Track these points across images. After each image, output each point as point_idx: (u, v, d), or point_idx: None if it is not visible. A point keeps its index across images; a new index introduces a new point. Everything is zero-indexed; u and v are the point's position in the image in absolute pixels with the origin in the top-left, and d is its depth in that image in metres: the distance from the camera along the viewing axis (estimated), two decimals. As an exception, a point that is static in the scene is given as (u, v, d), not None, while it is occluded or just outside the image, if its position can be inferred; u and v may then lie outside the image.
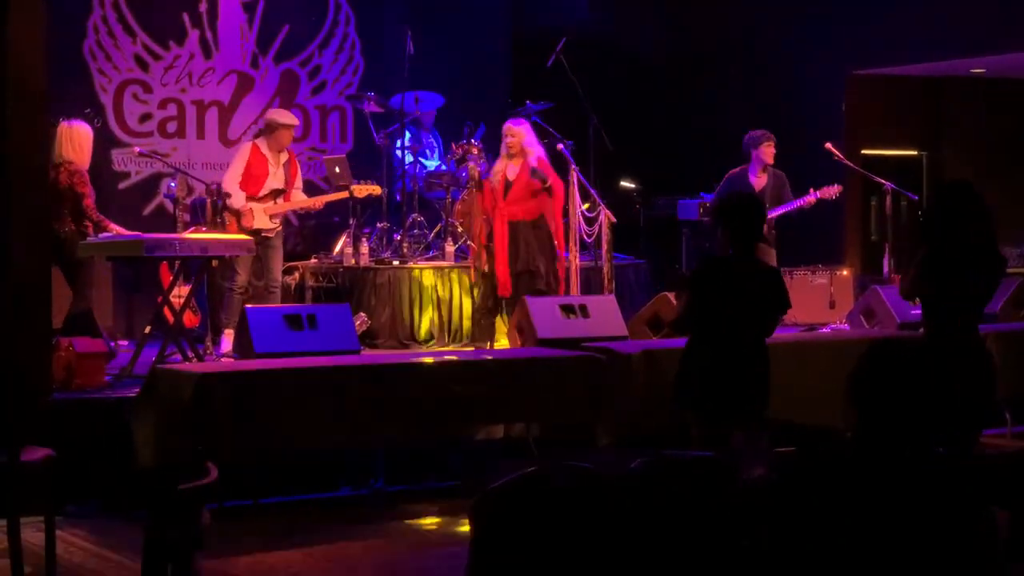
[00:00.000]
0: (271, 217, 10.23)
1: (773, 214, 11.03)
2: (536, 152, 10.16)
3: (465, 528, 2.66)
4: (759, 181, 11.17)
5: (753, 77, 14.00)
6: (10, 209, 7.93)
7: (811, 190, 11.16)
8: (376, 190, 11.09)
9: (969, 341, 6.40)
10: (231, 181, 10.13)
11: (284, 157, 10.35)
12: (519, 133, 10.16)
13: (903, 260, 11.97)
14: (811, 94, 13.79)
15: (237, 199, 10.06)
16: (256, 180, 10.17)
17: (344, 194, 10.89)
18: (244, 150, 10.34)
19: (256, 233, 10.03)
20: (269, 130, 10.31)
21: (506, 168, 10.16)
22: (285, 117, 10.46)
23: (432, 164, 12.59)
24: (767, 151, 11.13)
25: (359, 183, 11.01)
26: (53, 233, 8.76)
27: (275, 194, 10.24)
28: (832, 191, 11.18)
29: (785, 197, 11.21)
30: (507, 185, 10.12)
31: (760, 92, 13.86)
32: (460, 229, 11.69)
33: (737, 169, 11.29)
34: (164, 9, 12.36)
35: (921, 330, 6.87)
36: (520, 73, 13.95)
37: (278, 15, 12.82)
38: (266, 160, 10.24)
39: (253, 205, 10.15)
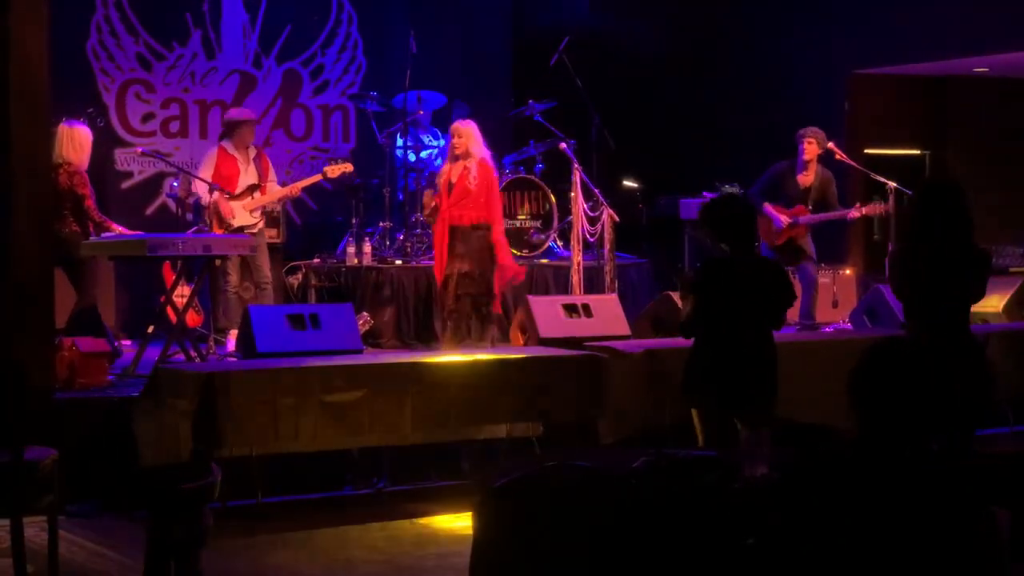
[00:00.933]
0: (251, 212, 10.38)
1: (813, 219, 10.97)
2: (481, 154, 9.91)
3: (468, 527, 2.66)
4: (804, 179, 11.04)
5: (755, 76, 14.00)
6: (12, 208, 7.94)
7: (858, 204, 11.00)
8: (348, 167, 11.01)
9: (958, 341, 6.34)
10: (200, 184, 10.29)
11: (252, 153, 10.54)
12: (466, 134, 9.87)
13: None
14: (813, 93, 13.78)
15: (204, 195, 10.23)
16: (229, 180, 10.32)
17: (318, 177, 10.86)
18: (210, 153, 10.56)
19: (239, 231, 10.16)
20: (230, 129, 10.55)
21: (450, 170, 9.91)
22: (242, 114, 10.78)
23: (425, 153, 12.56)
24: (806, 147, 10.98)
25: (330, 164, 11.03)
26: (55, 233, 8.76)
27: (251, 189, 10.41)
28: (879, 208, 10.91)
29: (830, 199, 11.05)
30: (450, 187, 9.86)
31: (762, 91, 13.85)
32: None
33: (785, 162, 11.12)
34: (167, 9, 12.37)
35: (903, 331, 6.83)
36: (522, 72, 13.95)
37: (280, 15, 12.83)
38: (234, 159, 10.43)
39: (232, 203, 10.26)
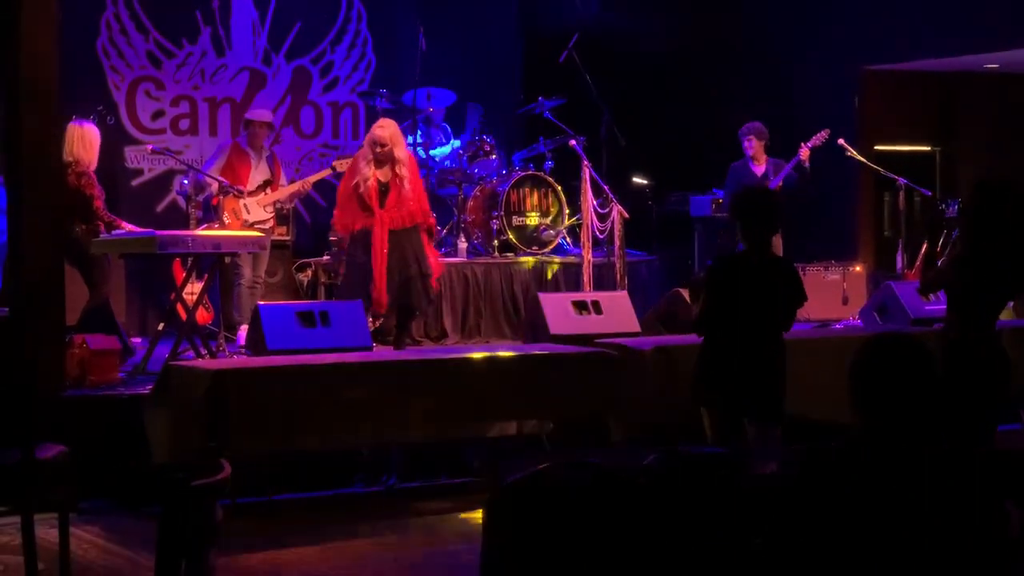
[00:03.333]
0: (264, 207, 10.55)
1: (777, 182, 11.34)
2: (406, 153, 9.81)
3: (478, 525, 2.67)
4: (759, 168, 11.57)
5: (766, 73, 13.97)
6: (23, 207, 7.96)
7: (801, 143, 11.45)
8: None
9: (989, 338, 6.38)
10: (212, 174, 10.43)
11: (265, 152, 10.79)
12: (391, 139, 9.64)
13: (916, 256, 11.96)
14: (824, 90, 13.77)
15: (214, 185, 10.31)
16: (241, 176, 10.49)
17: (327, 171, 10.95)
18: (224, 147, 10.83)
19: (251, 226, 10.30)
20: (245, 128, 10.84)
21: (376, 174, 9.66)
22: (262, 116, 11.01)
23: (440, 152, 12.56)
24: (747, 145, 11.58)
25: (339, 159, 11.09)
26: (65, 231, 8.78)
27: (264, 185, 10.60)
28: (820, 137, 11.44)
29: (781, 167, 11.56)
30: (384, 191, 9.63)
31: (773, 88, 13.83)
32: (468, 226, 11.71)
33: (738, 161, 11.67)
34: (176, 6, 12.37)
35: (936, 325, 6.85)
36: (532, 69, 13.94)
37: (290, 12, 12.82)
38: (248, 156, 10.63)
39: (246, 199, 10.40)
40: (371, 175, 9.65)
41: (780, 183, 11.34)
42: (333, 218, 10.13)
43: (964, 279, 6.34)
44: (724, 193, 11.95)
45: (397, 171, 9.64)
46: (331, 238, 10.81)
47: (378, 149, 9.62)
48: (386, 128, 9.72)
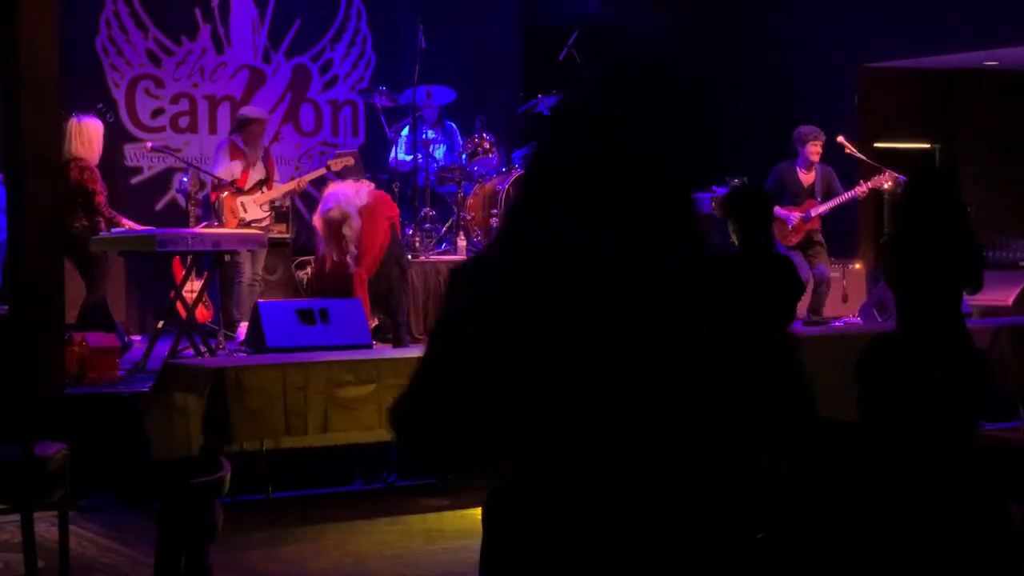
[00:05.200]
0: (261, 206, 10.58)
1: (825, 208, 11.05)
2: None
3: (478, 523, 2.66)
4: (807, 177, 11.17)
5: (765, 70, 13.97)
6: (23, 204, 7.95)
7: (861, 181, 11.13)
8: (350, 161, 11.11)
9: (950, 334, 6.18)
10: (221, 173, 10.52)
11: (260, 151, 10.82)
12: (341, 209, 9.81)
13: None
14: (824, 87, 13.76)
15: (227, 172, 10.46)
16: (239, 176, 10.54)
17: (322, 171, 11.06)
18: (224, 146, 10.79)
19: (248, 225, 10.33)
20: (241, 126, 10.79)
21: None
22: (256, 112, 11.06)
23: (440, 154, 12.55)
24: (813, 149, 11.12)
25: (333, 158, 11.15)
26: (65, 228, 8.77)
27: (260, 184, 10.61)
28: (883, 179, 11.01)
29: (835, 190, 11.18)
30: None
31: (773, 85, 13.83)
32: (471, 223, 11.70)
33: (784, 163, 11.30)
34: (176, 4, 12.37)
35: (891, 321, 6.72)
36: (532, 67, 13.93)
37: (289, 10, 12.82)
38: (244, 153, 10.63)
39: (243, 198, 10.44)
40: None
41: (827, 211, 11.08)
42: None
43: (907, 277, 6.23)
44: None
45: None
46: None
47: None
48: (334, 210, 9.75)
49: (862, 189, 11.08)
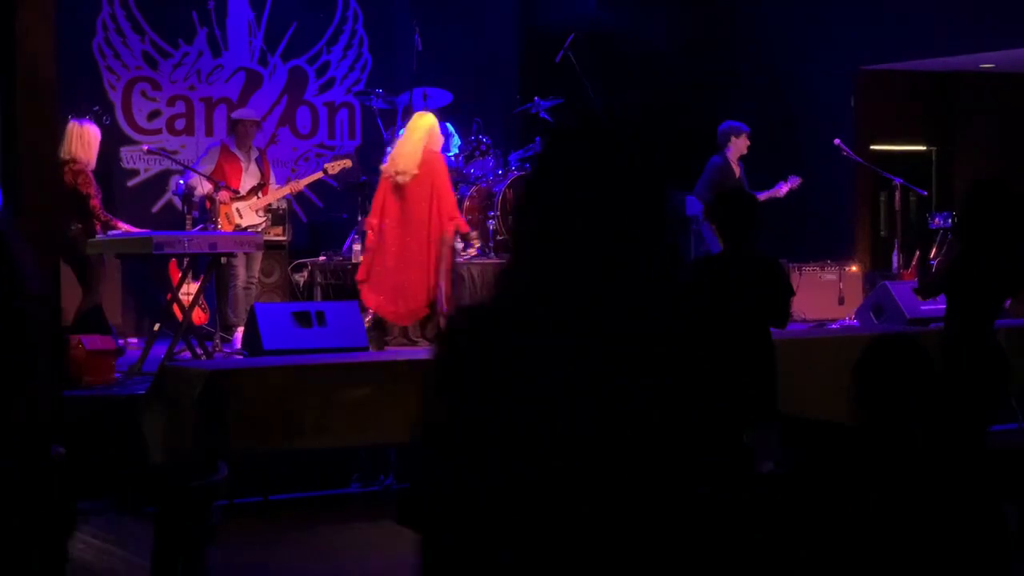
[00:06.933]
0: (256, 212, 10.55)
1: (762, 199, 11.13)
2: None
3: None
4: (737, 170, 11.38)
5: (762, 73, 13.97)
6: (19, 206, 7.93)
7: (780, 183, 11.40)
8: (347, 163, 11.15)
9: (987, 338, 6.35)
10: (200, 177, 10.45)
11: (255, 153, 10.77)
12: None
13: (912, 256, 11.97)
14: (820, 89, 13.76)
15: (200, 188, 10.40)
16: (231, 178, 10.49)
17: (319, 175, 11.08)
18: (213, 148, 10.79)
19: (243, 231, 10.30)
20: (232, 128, 10.82)
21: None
22: (247, 114, 11.09)
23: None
24: (745, 143, 11.34)
25: (330, 161, 11.16)
26: (61, 231, 8.77)
27: (255, 189, 10.58)
28: (794, 183, 11.36)
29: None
30: None
31: (769, 87, 13.83)
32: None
33: (717, 156, 11.38)
34: (173, 7, 12.38)
35: (932, 325, 6.83)
36: (528, 69, 13.93)
37: (286, 12, 12.83)
38: (237, 157, 10.62)
39: (238, 203, 10.40)
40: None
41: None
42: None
43: (961, 279, 6.32)
44: (702, 189, 11.48)
45: None
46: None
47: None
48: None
49: (784, 189, 11.36)
